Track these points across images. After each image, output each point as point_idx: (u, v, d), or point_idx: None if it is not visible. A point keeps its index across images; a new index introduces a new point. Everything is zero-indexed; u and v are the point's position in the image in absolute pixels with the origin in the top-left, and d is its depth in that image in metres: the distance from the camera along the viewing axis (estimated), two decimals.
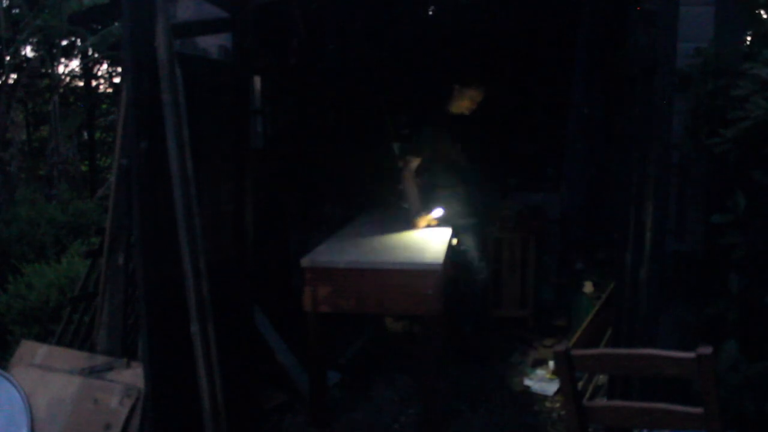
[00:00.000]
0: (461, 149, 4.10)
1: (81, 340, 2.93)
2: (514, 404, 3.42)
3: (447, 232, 3.79)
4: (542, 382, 3.64)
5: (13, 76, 6.48)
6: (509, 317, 4.62)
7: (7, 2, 6.23)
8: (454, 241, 3.82)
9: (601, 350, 1.72)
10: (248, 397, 3.13)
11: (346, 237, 3.72)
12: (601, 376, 3.25)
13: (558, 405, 3.36)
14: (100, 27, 7.07)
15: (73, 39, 7.32)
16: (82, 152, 8.53)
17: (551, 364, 3.72)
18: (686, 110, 2.58)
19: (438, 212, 3.96)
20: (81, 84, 8.91)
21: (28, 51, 7.09)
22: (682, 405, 1.65)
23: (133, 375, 2.58)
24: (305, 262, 3.10)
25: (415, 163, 3.98)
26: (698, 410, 1.61)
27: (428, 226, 3.92)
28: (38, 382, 2.65)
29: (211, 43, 3.21)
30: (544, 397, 3.49)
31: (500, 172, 5.30)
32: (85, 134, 9.00)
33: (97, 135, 9.28)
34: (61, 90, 7.76)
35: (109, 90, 9.12)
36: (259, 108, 4.46)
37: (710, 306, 2.46)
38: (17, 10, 6.48)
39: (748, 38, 2.71)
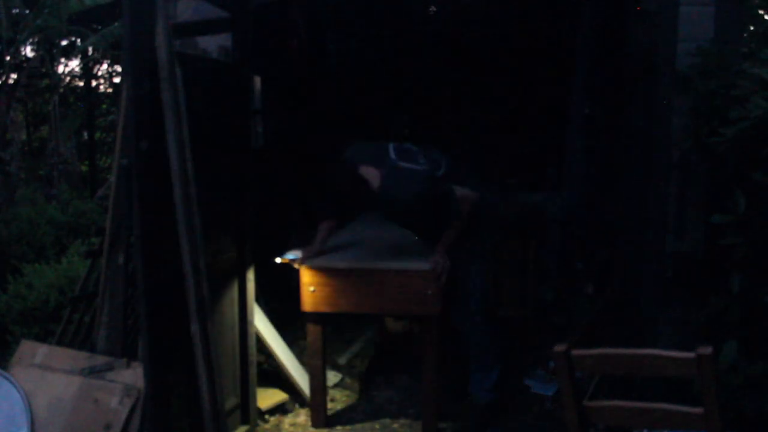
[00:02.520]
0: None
1: (81, 340, 2.92)
2: (514, 404, 3.42)
3: None
4: (542, 382, 3.64)
5: (13, 76, 6.47)
6: (509, 317, 4.61)
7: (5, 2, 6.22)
8: None
9: (601, 350, 1.72)
10: (248, 397, 3.14)
11: (346, 237, 3.72)
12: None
13: (558, 405, 3.36)
14: (100, 27, 7.06)
15: (73, 39, 7.32)
16: (82, 152, 8.52)
17: (551, 364, 3.72)
18: (686, 110, 2.58)
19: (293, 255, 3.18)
20: (81, 84, 8.90)
21: (28, 51, 7.09)
22: (682, 405, 1.65)
23: (133, 375, 2.58)
24: (305, 262, 3.10)
25: None
26: (698, 410, 1.61)
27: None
28: (38, 382, 2.65)
29: (211, 43, 3.22)
30: (544, 397, 3.49)
31: (500, 172, 5.30)
32: (85, 134, 8.98)
33: (97, 135, 9.26)
34: (61, 90, 7.75)
35: (109, 90, 9.11)
36: (259, 108, 4.46)
37: (710, 306, 2.46)
38: (17, 10, 6.47)
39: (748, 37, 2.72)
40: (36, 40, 6.64)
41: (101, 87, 9.24)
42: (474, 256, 3.16)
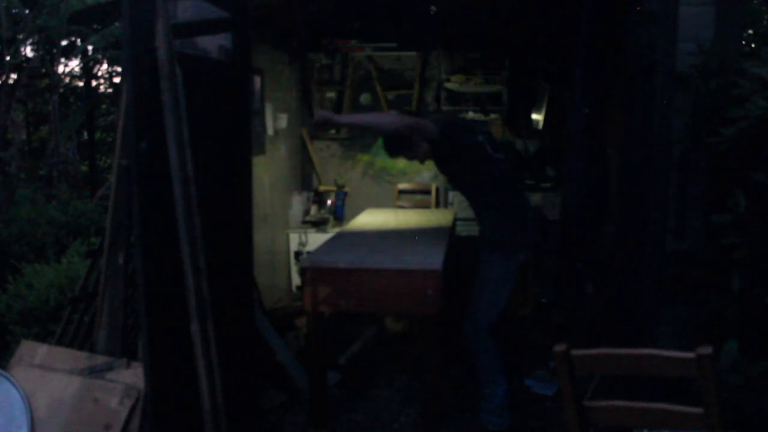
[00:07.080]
0: None
1: (81, 340, 2.92)
2: (515, 404, 3.42)
3: (446, 232, 3.78)
4: (542, 382, 3.64)
5: (13, 76, 6.47)
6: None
7: (5, 2, 6.22)
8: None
9: (601, 350, 1.72)
10: (248, 397, 3.13)
11: (346, 237, 3.72)
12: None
13: (558, 405, 3.36)
14: (100, 27, 7.05)
15: (73, 39, 7.32)
16: (82, 152, 8.51)
17: (551, 364, 3.72)
18: (686, 109, 2.58)
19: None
20: (81, 84, 8.90)
21: (28, 51, 7.09)
22: (682, 405, 1.65)
23: (133, 375, 2.57)
24: (305, 262, 3.10)
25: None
26: (698, 410, 1.61)
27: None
28: (38, 382, 2.65)
29: (211, 43, 3.21)
30: (544, 397, 3.49)
31: None
32: (85, 134, 8.98)
33: (97, 135, 9.26)
34: (61, 90, 7.75)
35: (109, 90, 9.11)
36: (259, 108, 4.46)
37: (710, 306, 2.46)
38: (16, 10, 6.47)
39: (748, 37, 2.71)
40: (36, 40, 6.64)
41: (101, 87, 9.23)
42: (493, 266, 3.08)
